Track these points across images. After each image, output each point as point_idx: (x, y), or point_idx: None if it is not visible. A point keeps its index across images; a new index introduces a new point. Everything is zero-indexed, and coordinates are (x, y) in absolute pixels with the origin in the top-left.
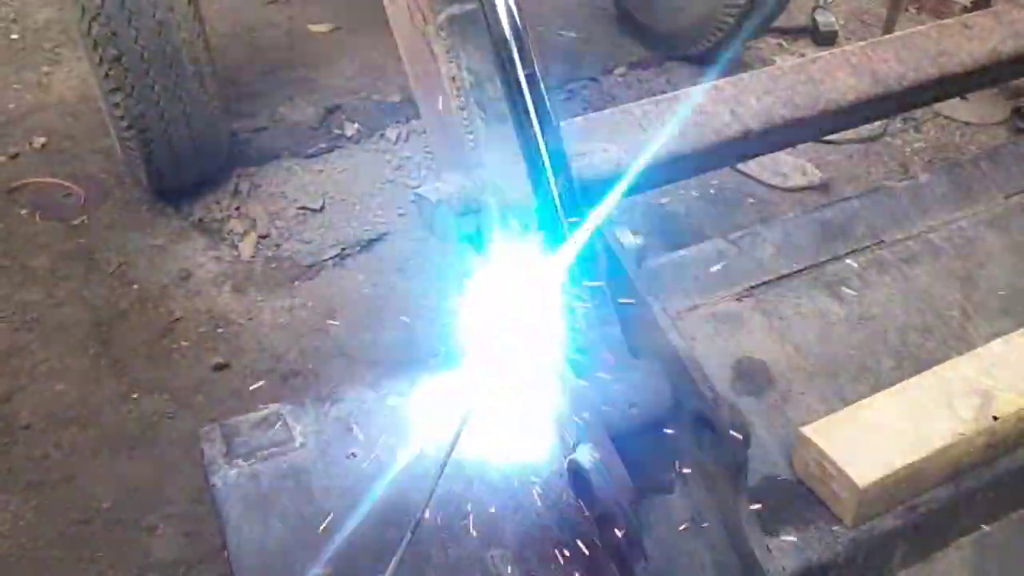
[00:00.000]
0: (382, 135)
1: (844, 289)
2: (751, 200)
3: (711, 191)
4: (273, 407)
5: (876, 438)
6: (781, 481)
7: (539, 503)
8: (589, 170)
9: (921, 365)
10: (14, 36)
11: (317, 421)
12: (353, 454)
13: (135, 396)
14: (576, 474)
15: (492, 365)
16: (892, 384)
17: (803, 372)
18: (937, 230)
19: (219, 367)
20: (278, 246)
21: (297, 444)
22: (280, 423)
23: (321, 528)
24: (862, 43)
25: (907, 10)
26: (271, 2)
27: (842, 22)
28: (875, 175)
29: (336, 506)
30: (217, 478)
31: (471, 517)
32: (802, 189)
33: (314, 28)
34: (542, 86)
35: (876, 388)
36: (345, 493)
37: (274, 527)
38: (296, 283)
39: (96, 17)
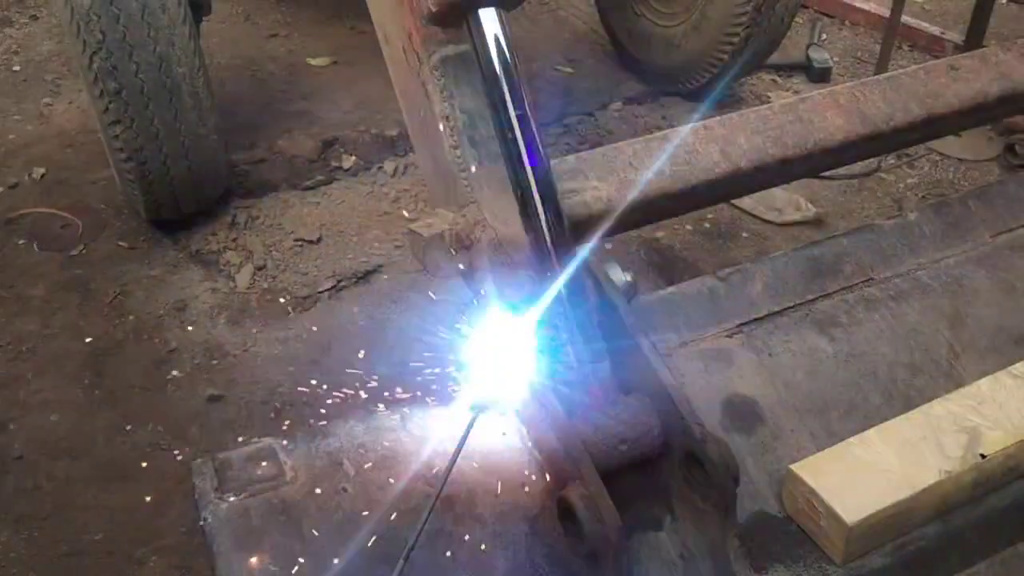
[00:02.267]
0: (379, 168)
1: (833, 326)
2: (745, 234)
3: (705, 225)
4: (264, 441)
5: (865, 475)
6: (770, 518)
7: (528, 539)
8: (580, 207)
9: (910, 402)
10: (16, 68)
11: (308, 456)
12: (344, 489)
13: (129, 427)
14: (565, 510)
15: (484, 400)
16: (881, 421)
17: (793, 409)
18: (926, 268)
19: (213, 399)
20: (274, 278)
21: (288, 479)
22: (271, 458)
23: (312, 564)
24: (851, 83)
25: (900, 48)
26: (271, 36)
27: (836, 59)
28: (868, 210)
29: (327, 541)
30: (208, 512)
31: (460, 553)
32: (796, 224)
33: (313, 62)
34: (533, 126)
35: (865, 425)
36: (336, 528)
37: (264, 563)
38: (291, 315)
39: (97, 51)
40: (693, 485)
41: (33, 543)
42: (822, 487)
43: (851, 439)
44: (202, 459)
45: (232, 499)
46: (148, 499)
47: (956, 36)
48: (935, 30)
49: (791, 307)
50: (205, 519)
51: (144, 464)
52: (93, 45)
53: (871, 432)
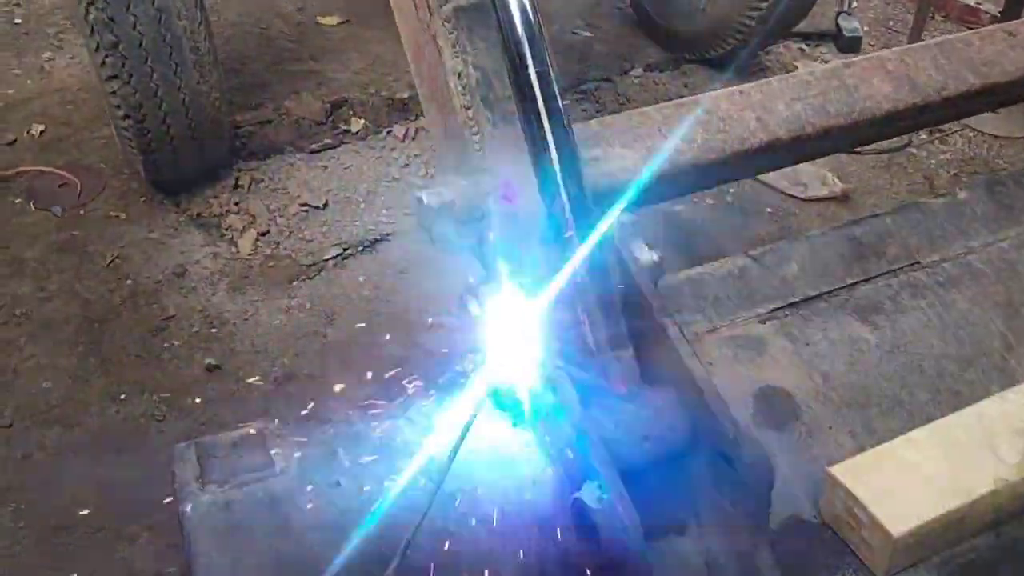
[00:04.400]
0: (389, 132)
1: (876, 314)
2: (769, 210)
3: (728, 199)
4: (253, 426)
5: (911, 481)
6: (806, 524)
7: (539, 544)
8: (603, 177)
9: (959, 399)
10: (17, 20)
11: (300, 444)
12: (338, 483)
13: (123, 396)
14: (581, 514)
15: (492, 387)
16: (927, 420)
17: (831, 404)
18: (976, 252)
19: (211, 368)
20: (277, 244)
21: (277, 469)
22: (259, 445)
23: (299, 566)
24: (899, 48)
25: (933, 17)
26: None
27: (866, 28)
28: (898, 187)
29: (317, 541)
30: (188, 505)
31: (465, 556)
32: (822, 200)
33: (323, 20)
34: (555, 85)
35: (910, 423)
36: (327, 527)
37: (247, 563)
38: (295, 283)
39: (94, 2)
40: (722, 487)
41: (21, 515)
42: (864, 493)
43: (895, 440)
44: (184, 444)
45: (215, 490)
46: (141, 472)
47: (992, 7)
48: (970, 0)
49: (830, 292)
50: (184, 512)
51: (138, 435)
52: None
53: (917, 432)
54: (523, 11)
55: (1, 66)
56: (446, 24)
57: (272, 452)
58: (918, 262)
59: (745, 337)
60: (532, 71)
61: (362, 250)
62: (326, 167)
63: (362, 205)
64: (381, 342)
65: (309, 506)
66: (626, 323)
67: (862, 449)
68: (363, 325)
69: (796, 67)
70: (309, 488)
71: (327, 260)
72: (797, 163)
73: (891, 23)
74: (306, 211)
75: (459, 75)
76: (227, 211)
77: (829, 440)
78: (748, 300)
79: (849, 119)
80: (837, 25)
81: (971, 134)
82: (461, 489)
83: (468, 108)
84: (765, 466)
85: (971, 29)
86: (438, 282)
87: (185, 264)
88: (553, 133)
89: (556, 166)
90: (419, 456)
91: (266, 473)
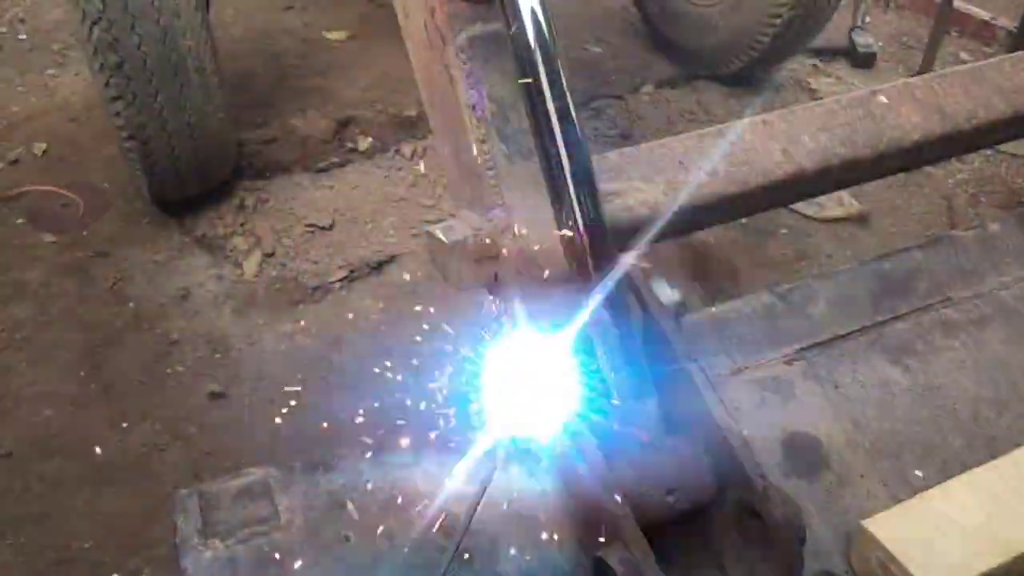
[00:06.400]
0: (397, 150)
1: (907, 354)
2: (783, 231)
3: (742, 219)
4: (258, 473)
5: (949, 536)
6: None
7: None
8: (623, 212)
9: (995, 445)
10: (21, 37)
11: (307, 494)
12: (347, 537)
13: (125, 425)
14: (603, 573)
15: (509, 436)
16: (963, 467)
17: (862, 451)
18: (1010, 287)
19: (215, 396)
20: (283, 265)
21: (282, 521)
22: (264, 495)
23: None
24: (928, 75)
25: (948, 32)
26: (287, 8)
27: (880, 43)
28: (916, 207)
29: None
30: (189, 561)
31: None
32: (838, 220)
33: (330, 35)
34: (575, 118)
35: (945, 471)
36: None
37: None
38: (301, 306)
39: (97, 22)
40: (750, 542)
41: (20, 549)
42: (900, 549)
43: (931, 490)
44: (187, 492)
45: (218, 545)
46: (143, 504)
47: (1008, 22)
48: (985, 15)
49: (858, 331)
50: (185, 570)
51: (140, 465)
52: (92, 15)
53: (954, 482)
54: (541, 41)
55: (4, 83)
56: (460, 54)
57: (278, 502)
58: (949, 298)
59: (771, 379)
60: (551, 104)
61: (369, 272)
62: (332, 186)
63: (369, 226)
64: (389, 371)
65: (316, 563)
66: (648, 367)
67: (895, 499)
68: (371, 351)
69: (810, 83)
70: (316, 543)
71: (334, 283)
72: (823, 194)
73: (905, 39)
74: (312, 232)
75: (473, 107)
76: (232, 232)
77: (861, 490)
78: (774, 340)
79: (876, 150)
80: (851, 40)
81: (988, 152)
82: (477, 546)
83: (483, 142)
84: (796, 522)
85: (986, 44)
86: (447, 306)
87: (189, 287)
88: (571, 168)
89: (575, 202)
90: (434, 510)
91: (271, 525)
